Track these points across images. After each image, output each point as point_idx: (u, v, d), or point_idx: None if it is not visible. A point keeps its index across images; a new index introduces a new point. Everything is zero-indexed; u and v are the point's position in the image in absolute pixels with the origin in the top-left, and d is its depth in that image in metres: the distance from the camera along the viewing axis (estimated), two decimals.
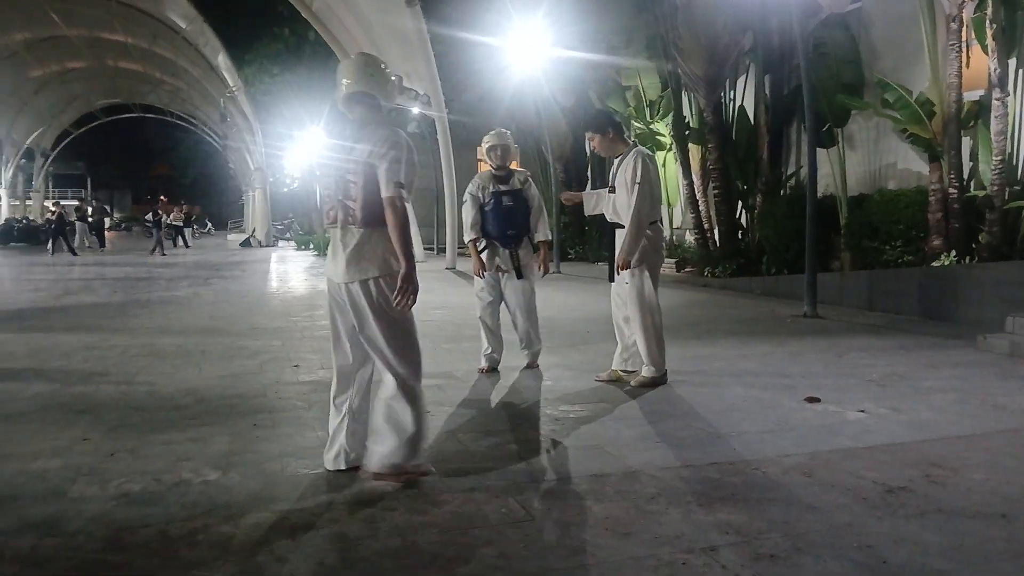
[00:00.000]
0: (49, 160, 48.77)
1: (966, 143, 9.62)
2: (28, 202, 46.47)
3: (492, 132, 5.87)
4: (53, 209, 25.94)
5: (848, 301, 9.54)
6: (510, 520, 2.94)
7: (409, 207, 3.29)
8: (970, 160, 9.68)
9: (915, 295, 8.71)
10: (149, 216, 27.47)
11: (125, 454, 3.75)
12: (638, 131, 15.39)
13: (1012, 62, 8.85)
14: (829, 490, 3.23)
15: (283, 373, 5.77)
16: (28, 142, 42.92)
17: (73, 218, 26.45)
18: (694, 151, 14.52)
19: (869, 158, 11.69)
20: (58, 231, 24.47)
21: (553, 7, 14.46)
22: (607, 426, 4.28)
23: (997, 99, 8.66)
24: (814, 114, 9.01)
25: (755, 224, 13.19)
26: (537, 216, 5.84)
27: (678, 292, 11.22)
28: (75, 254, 23.67)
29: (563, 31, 14.62)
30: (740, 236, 13.61)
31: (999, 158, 8.70)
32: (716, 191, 13.51)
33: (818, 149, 9.32)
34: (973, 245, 9.05)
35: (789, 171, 13.21)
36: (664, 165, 15.54)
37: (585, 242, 19.10)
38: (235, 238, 36.81)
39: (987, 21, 8.64)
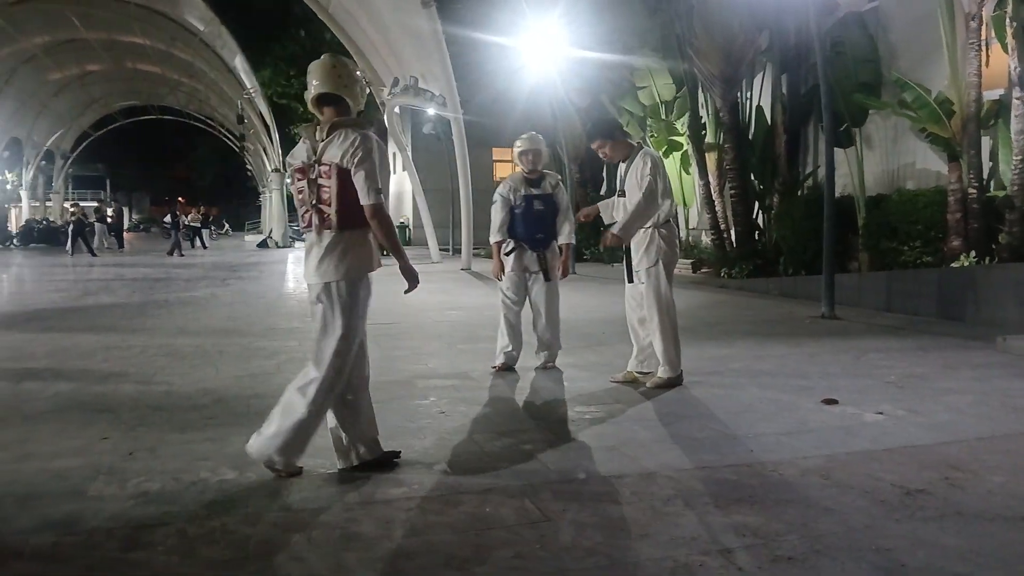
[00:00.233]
0: (69, 162, 49.16)
1: (986, 142, 9.54)
2: (48, 203, 46.89)
3: (524, 136, 5.87)
4: (72, 210, 26.18)
5: (866, 302, 9.46)
6: (526, 521, 2.94)
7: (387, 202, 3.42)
8: (990, 160, 9.59)
9: (934, 296, 8.63)
10: (167, 217, 27.74)
11: (144, 453, 3.79)
12: (653, 134, 15.36)
13: None
14: (847, 492, 3.21)
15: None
16: (48, 144, 43.29)
17: (92, 219, 26.67)
18: (710, 152, 14.47)
19: (887, 158, 11.59)
20: (77, 232, 24.71)
21: (569, 7, 14.48)
22: (623, 427, 4.28)
23: (1017, 98, 8.57)
24: (831, 113, 8.95)
25: (772, 224, 13.13)
26: (563, 219, 5.85)
27: (695, 293, 11.18)
28: (94, 255, 23.85)
29: (579, 31, 14.62)
30: (757, 237, 13.54)
31: (1019, 157, 8.61)
32: (733, 191, 13.45)
33: (836, 149, 9.24)
34: (993, 246, 8.96)
35: (806, 171, 13.14)
36: (680, 166, 15.49)
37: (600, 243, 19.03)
38: (252, 239, 36.97)
39: (1007, 19, 8.55)
